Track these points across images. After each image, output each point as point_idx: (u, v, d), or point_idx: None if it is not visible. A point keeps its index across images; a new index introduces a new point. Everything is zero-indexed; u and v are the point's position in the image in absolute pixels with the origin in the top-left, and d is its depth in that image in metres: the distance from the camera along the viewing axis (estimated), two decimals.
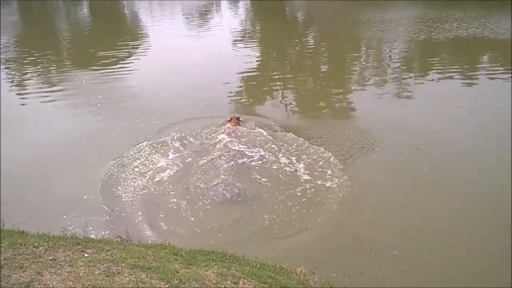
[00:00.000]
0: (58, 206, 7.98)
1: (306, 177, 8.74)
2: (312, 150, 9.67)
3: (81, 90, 14.77)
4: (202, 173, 9.00)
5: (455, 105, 12.84)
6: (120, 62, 18.67)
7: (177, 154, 9.62)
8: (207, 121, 11.31)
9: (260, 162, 9.34)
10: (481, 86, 14.85)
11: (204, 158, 9.53)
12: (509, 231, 7.12)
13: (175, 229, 7.39)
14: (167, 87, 14.83)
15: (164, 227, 7.45)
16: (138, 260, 4.77)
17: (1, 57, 19.93)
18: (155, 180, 8.71)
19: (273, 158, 9.42)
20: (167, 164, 9.24)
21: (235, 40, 23.28)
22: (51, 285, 4.00)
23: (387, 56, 19.35)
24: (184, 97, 13.67)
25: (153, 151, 9.72)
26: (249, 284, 4.59)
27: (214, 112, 11.97)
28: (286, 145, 9.96)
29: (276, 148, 9.82)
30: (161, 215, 7.76)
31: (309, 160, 9.30)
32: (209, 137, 10.41)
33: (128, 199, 8.15)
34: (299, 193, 8.24)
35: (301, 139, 10.17)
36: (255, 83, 15.96)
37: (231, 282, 4.54)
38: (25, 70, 17.73)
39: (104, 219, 7.58)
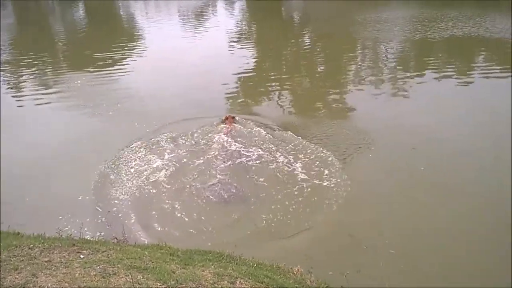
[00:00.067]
0: (54, 207, 7.97)
1: (303, 176, 8.73)
2: (309, 150, 9.67)
3: (78, 92, 14.73)
4: (199, 173, 8.98)
5: (451, 104, 12.86)
6: (117, 63, 18.62)
7: (173, 154, 9.61)
8: (203, 121, 11.30)
9: (257, 161, 9.33)
10: (476, 85, 14.88)
11: (201, 158, 9.51)
12: (506, 230, 7.13)
13: (171, 230, 7.37)
14: (163, 88, 14.80)
15: (160, 228, 7.43)
16: (135, 261, 4.75)
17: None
18: (151, 181, 8.69)
19: (270, 158, 9.41)
20: (163, 165, 9.22)
21: (231, 41, 23.27)
22: (46, 287, 3.97)
23: (383, 55, 19.37)
24: (181, 98, 13.65)
25: (149, 152, 9.70)
26: (246, 284, 4.57)
27: (211, 113, 11.95)
28: (283, 144, 9.97)
29: (274, 147, 9.81)
30: (157, 216, 7.74)
31: (306, 160, 9.30)
32: (206, 137, 10.41)
33: (124, 200, 8.13)
34: (296, 192, 8.24)
35: (299, 137, 10.19)
36: (251, 83, 15.95)
37: (228, 282, 4.53)
38: (21, 72, 17.66)
39: (100, 220, 7.55)
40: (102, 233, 7.00)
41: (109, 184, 8.58)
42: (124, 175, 8.85)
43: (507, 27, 23.02)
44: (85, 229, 6.76)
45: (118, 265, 4.54)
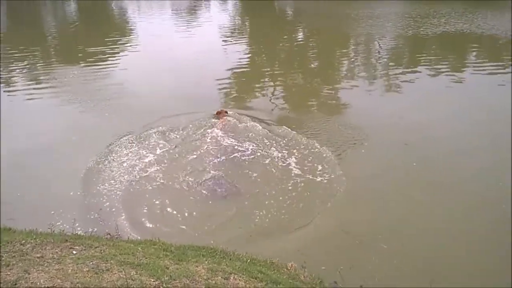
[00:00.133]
0: (46, 202, 7.86)
1: (297, 171, 8.73)
2: (303, 145, 9.67)
3: (69, 86, 14.57)
4: (192, 168, 8.93)
5: (444, 100, 12.94)
6: (110, 58, 18.45)
7: (165, 149, 9.55)
8: (196, 116, 11.24)
9: (251, 156, 9.31)
10: (469, 81, 14.97)
11: (194, 153, 9.47)
12: (503, 228, 7.14)
13: (164, 226, 7.32)
14: (156, 83, 14.70)
15: (153, 224, 7.37)
16: (128, 256, 4.72)
17: None
18: (143, 175, 8.63)
19: (264, 153, 9.40)
20: (155, 159, 9.16)
21: (224, 36, 23.17)
22: (38, 283, 3.92)
23: (376, 51, 19.41)
24: (174, 93, 13.56)
25: (141, 147, 9.64)
26: (239, 279, 4.56)
27: (203, 108, 11.89)
28: (278, 138, 9.96)
29: (267, 142, 9.80)
30: (151, 212, 7.68)
31: (300, 155, 9.30)
32: (198, 132, 10.36)
33: (116, 195, 8.05)
34: (290, 188, 8.24)
35: (294, 132, 10.19)
36: (244, 79, 15.91)
37: (221, 277, 4.51)
38: (12, 67, 17.43)
39: (92, 216, 7.48)
40: (95, 229, 6.94)
41: (101, 179, 8.50)
42: (116, 170, 8.77)
43: (498, 23, 23.19)
44: (77, 224, 6.70)
45: (111, 261, 4.51)
